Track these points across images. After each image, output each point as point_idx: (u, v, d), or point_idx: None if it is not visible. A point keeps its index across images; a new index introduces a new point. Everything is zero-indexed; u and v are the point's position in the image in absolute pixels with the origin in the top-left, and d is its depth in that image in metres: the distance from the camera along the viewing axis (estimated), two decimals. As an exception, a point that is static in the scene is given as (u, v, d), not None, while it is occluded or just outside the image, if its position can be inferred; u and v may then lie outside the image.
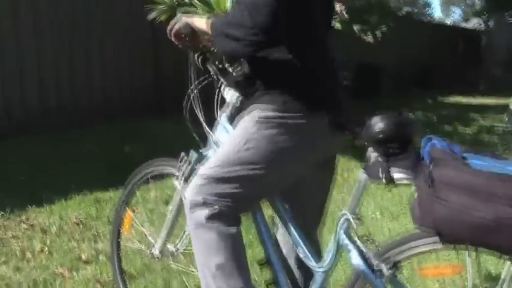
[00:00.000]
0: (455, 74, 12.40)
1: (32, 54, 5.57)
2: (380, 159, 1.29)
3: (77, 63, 5.99)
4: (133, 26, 6.38)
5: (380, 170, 1.28)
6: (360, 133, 1.31)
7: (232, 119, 1.85)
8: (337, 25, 3.97)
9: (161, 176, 2.05)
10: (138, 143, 5.25)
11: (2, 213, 3.37)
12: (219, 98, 1.85)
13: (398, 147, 1.26)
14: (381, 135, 1.26)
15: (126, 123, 5.95)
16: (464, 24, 19.33)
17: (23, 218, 3.37)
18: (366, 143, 1.33)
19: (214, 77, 1.80)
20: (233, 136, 1.56)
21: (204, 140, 1.88)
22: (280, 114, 1.44)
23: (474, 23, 17.17)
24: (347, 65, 7.42)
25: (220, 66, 1.73)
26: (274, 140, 1.45)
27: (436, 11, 43.03)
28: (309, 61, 1.47)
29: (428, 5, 31.16)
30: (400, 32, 8.61)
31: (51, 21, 5.70)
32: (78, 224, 3.30)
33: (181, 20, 1.61)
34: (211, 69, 1.77)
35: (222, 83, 1.83)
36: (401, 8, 28.32)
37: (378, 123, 1.26)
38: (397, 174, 1.28)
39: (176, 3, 4.47)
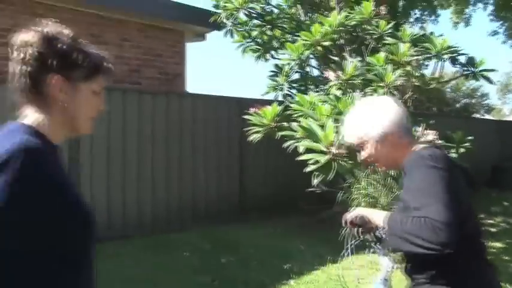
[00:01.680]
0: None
1: (134, 161, 6.10)
2: None
3: (171, 173, 6.47)
4: (223, 142, 7.02)
5: None
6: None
7: (385, 283, 2.07)
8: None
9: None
10: (230, 252, 5.49)
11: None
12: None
13: None
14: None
15: (213, 229, 6.27)
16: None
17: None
18: None
19: (372, 244, 2.04)
20: None
21: None
22: None
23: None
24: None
25: (377, 235, 1.98)
26: None
27: (493, 99, 42.60)
28: (471, 254, 1.67)
29: (486, 95, 31.25)
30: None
31: (152, 134, 6.27)
32: None
33: (358, 211, 1.89)
34: (370, 238, 2.01)
35: (378, 250, 2.07)
36: (459, 100, 28.62)
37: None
38: None
39: (275, 125, 4.94)
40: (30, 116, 1.29)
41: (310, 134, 4.11)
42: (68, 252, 1.21)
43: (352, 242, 2.06)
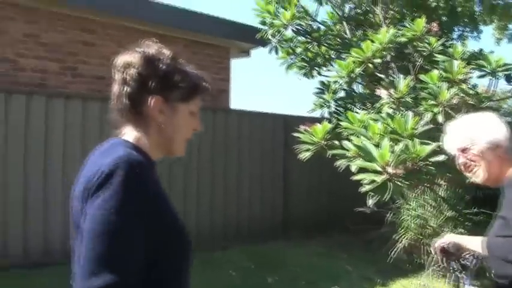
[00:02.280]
0: None
1: (180, 175, 6.12)
2: None
3: (215, 189, 6.47)
4: (268, 159, 7.02)
5: None
6: None
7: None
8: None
9: None
10: (275, 271, 5.41)
11: None
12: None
13: None
14: None
15: (256, 247, 6.21)
16: None
17: None
18: None
19: (456, 272, 1.94)
20: None
21: None
22: None
23: None
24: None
25: (464, 263, 1.88)
26: None
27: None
28: None
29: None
30: None
31: (198, 149, 6.30)
32: None
33: (449, 238, 1.81)
34: (455, 266, 1.91)
35: (464, 278, 1.96)
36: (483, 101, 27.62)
37: None
38: None
39: (325, 143, 4.87)
40: (129, 133, 1.30)
41: (364, 153, 4.01)
42: (169, 263, 1.21)
43: (435, 267, 1.96)
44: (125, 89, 1.26)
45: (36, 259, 4.96)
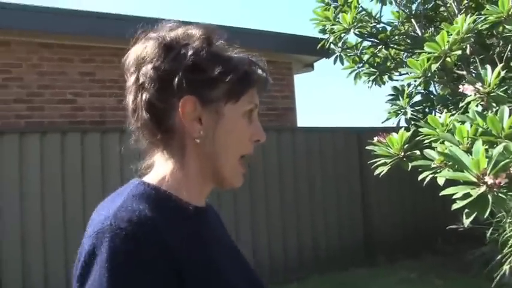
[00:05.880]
0: None
1: (246, 201, 5.70)
2: None
3: (286, 214, 5.98)
4: (342, 178, 6.44)
5: None
6: None
7: None
8: None
9: None
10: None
11: None
12: None
13: None
14: None
15: (336, 275, 5.63)
16: None
17: None
18: None
19: None
20: None
21: None
22: None
23: None
24: None
25: None
26: None
27: None
28: None
29: None
30: None
31: (264, 172, 5.87)
32: None
33: None
34: None
35: None
36: None
37: None
38: None
39: (404, 156, 4.24)
40: (158, 165, 0.88)
41: (452, 162, 3.36)
42: None
43: None
44: (142, 96, 0.83)
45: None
